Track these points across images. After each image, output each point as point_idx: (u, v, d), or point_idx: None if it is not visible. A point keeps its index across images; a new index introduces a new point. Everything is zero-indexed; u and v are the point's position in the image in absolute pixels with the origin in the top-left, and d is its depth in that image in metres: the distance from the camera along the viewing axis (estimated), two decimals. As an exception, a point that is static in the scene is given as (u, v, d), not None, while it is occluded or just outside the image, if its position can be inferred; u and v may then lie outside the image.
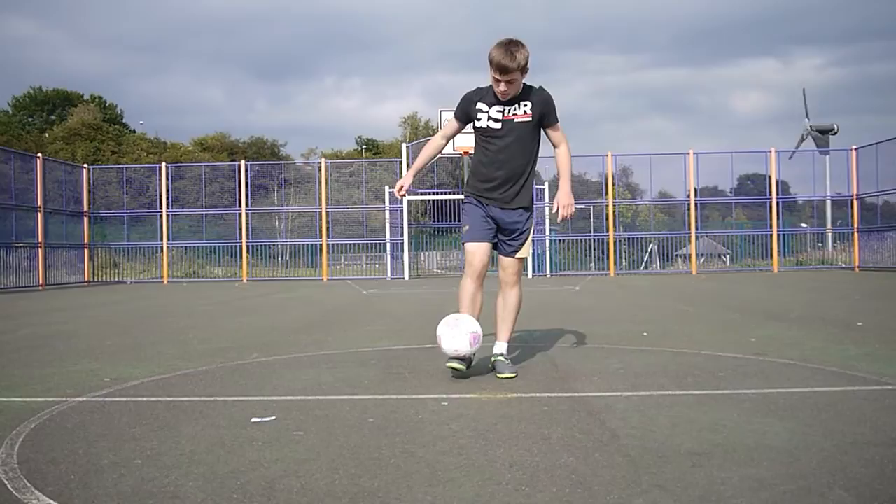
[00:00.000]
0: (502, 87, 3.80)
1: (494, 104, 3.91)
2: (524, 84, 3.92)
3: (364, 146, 59.86)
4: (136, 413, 3.19)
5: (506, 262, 4.10)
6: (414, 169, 4.35)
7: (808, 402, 3.17)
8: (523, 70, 3.79)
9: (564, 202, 4.00)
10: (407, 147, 21.54)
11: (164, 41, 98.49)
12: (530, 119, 3.92)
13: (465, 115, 4.01)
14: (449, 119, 4.19)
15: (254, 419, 3.01)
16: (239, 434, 2.78)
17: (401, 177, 20.90)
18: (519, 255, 4.09)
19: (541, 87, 3.97)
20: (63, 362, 4.76)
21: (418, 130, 51.18)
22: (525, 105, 3.90)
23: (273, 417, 3.04)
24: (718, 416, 2.92)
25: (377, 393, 3.56)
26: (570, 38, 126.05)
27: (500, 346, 4.02)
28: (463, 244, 4.09)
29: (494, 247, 4.09)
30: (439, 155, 4.39)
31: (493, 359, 3.99)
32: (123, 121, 57.21)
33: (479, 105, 3.94)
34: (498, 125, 3.92)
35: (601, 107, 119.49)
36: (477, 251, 3.98)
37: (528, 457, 2.41)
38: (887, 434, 2.61)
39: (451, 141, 4.45)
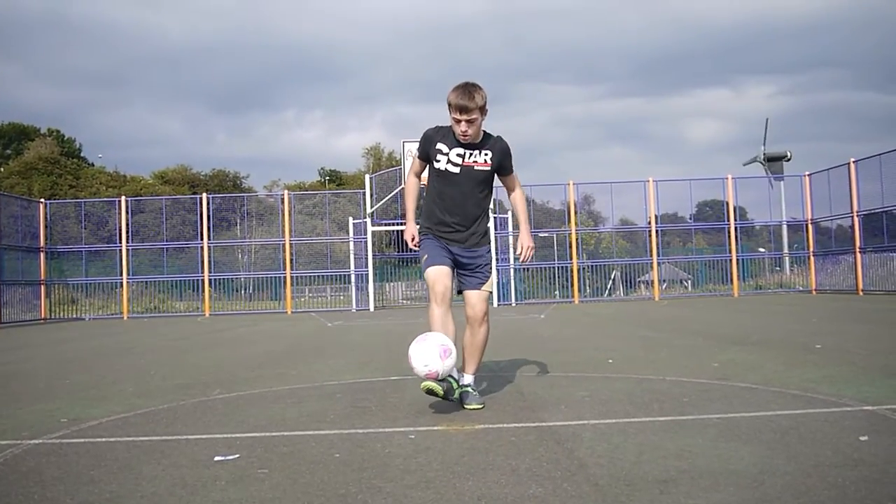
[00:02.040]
0: (463, 126, 3.85)
1: (455, 146, 3.96)
2: (484, 131, 3.98)
3: (327, 178, 59.81)
4: (94, 455, 3.11)
5: (472, 297, 4.08)
6: (410, 214, 4.28)
7: (771, 425, 3.22)
8: (482, 110, 3.86)
9: (527, 244, 4.07)
10: (370, 178, 21.58)
11: (122, 74, 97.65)
12: (489, 168, 4.00)
13: (426, 154, 4.05)
14: (414, 157, 4.22)
15: (217, 458, 2.95)
16: (202, 474, 2.72)
17: (364, 208, 20.99)
18: (485, 287, 4.10)
19: (499, 137, 4.05)
20: (18, 403, 4.62)
21: (381, 161, 51.32)
22: (486, 154, 3.97)
23: (237, 455, 2.98)
24: (684, 443, 2.94)
25: (343, 427, 3.52)
26: (528, 70, 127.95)
27: (467, 379, 4.01)
28: (424, 274, 4.08)
29: (458, 290, 4.12)
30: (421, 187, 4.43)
31: (459, 390, 3.98)
32: (82, 154, 56.46)
33: (440, 146, 3.98)
34: (456, 170, 3.97)
35: (561, 136, 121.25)
36: (438, 275, 3.96)
37: (496, 489, 2.39)
38: (848, 455, 2.65)
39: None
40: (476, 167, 3.97)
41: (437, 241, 4.05)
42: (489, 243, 4.20)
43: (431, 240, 4.07)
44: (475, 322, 4.08)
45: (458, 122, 3.85)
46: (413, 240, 4.16)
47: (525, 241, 4.08)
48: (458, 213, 4.00)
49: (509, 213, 22.26)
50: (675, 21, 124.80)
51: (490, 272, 4.13)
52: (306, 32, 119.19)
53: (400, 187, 18.98)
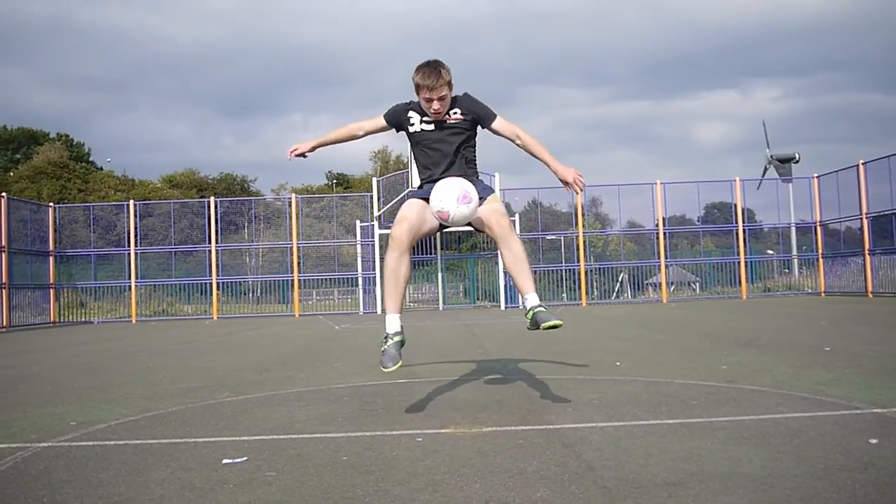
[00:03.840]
0: (435, 105, 3.85)
1: (425, 116, 3.96)
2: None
3: (334, 181, 59.87)
4: (103, 457, 3.12)
5: (486, 216, 3.83)
6: (320, 141, 4.13)
7: (780, 428, 3.20)
8: (450, 85, 3.85)
9: (571, 173, 3.84)
10: (377, 181, 21.61)
11: (129, 79, 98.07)
12: (463, 118, 3.94)
13: (395, 120, 4.03)
14: (377, 116, 4.10)
15: (225, 460, 2.96)
16: (210, 476, 2.72)
17: (371, 211, 20.99)
18: (489, 200, 3.86)
19: (464, 93, 4.01)
20: (27, 406, 4.64)
21: (388, 164, 51.37)
22: (454, 112, 3.95)
23: (244, 458, 2.99)
24: (692, 445, 2.93)
25: (350, 430, 3.52)
26: (533, 73, 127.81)
27: (533, 298, 3.82)
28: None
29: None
30: (346, 141, 4.25)
31: (529, 314, 3.81)
32: (90, 159, 56.70)
33: (410, 114, 3.99)
34: (431, 126, 3.95)
35: (567, 139, 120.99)
36: (409, 208, 3.85)
37: (503, 491, 2.39)
38: (858, 459, 2.63)
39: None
40: (449, 121, 3.93)
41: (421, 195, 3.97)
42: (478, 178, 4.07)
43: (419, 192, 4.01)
44: (502, 238, 3.82)
45: (430, 101, 3.83)
46: (294, 151, 4.03)
47: (565, 172, 3.83)
48: (443, 160, 3.94)
49: (517, 214, 22.25)
50: (679, 23, 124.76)
51: (491, 191, 3.98)
52: (311, 37, 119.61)
53: (407, 190, 19.02)
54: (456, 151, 3.97)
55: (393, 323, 3.81)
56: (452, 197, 3.64)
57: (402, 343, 3.80)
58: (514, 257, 3.82)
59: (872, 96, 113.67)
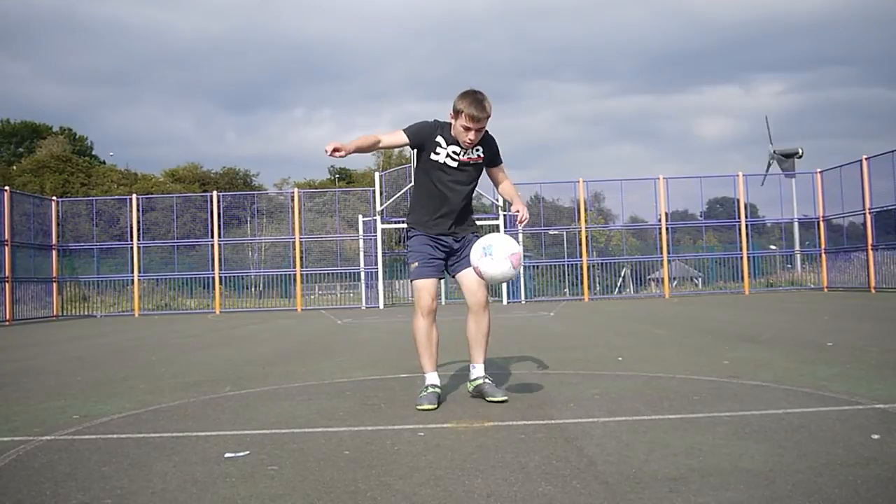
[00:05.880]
0: (472, 135, 3.87)
1: (452, 143, 3.97)
2: None
3: (337, 175, 59.86)
4: (105, 451, 3.13)
5: (471, 284, 4.00)
6: (356, 145, 3.84)
7: (782, 423, 3.20)
8: (488, 118, 3.89)
9: (525, 214, 4.01)
10: (380, 176, 21.60)
11: (133, 73, 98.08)
12: (481, 162, 4.06)
13: (420, 141, 3.98)
14: (397, 131, 4.01)
15: (227, 454, 2.96)
16: (212, 470, 2.73)
17: (373, 206, 20.99)
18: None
19: (488, 133, 4.05)
20: (30, 400, 4.65)
21: (391, 159, 51.32)
22: (477, 150, 4.01)
23: (247, 452, 2.99)
24: (694, 440, 2.93)
25: (352, 424, 3.52)
26: (536, 67, 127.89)
27: (480, 369, 4.04)
28: (412, 281, 4.09)
29: (452, 274, 4.13)
30: (371, 150, 4.19)
31: (473, 383, 4.02)
32: (93, 153, 56.73)
33: (439, 139, 3.98)
34: (454, 164, 3.99)
35: (570, 134, 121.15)
36: (425, 287, 4.01)
37: (505, 486, 2.39)
38: (860, 454, 2.63)
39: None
40: (471, 162, 4.02)
41: (428, 240, 4.05)
42: (479, 231, 4.22)
43: (421, 238, 4.07)
44: (478, 309, 4.04)
45: (468, 129, 3.85)
46: (336, 150, 3.71)
47: (524, 211, 4.02)
48: (450, 203, 4.02)
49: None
50: (682, 18, 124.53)
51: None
52: (314, 31, 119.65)
53: (409, 185, 18.98)
54: (465, 199, 4.08)
55: (432, 378, 4.03)
56: (508, 267, 3.67)
57: (439, 395, 3.95)
58: (478, 329, 4.05)
59: (875, 91, 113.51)
